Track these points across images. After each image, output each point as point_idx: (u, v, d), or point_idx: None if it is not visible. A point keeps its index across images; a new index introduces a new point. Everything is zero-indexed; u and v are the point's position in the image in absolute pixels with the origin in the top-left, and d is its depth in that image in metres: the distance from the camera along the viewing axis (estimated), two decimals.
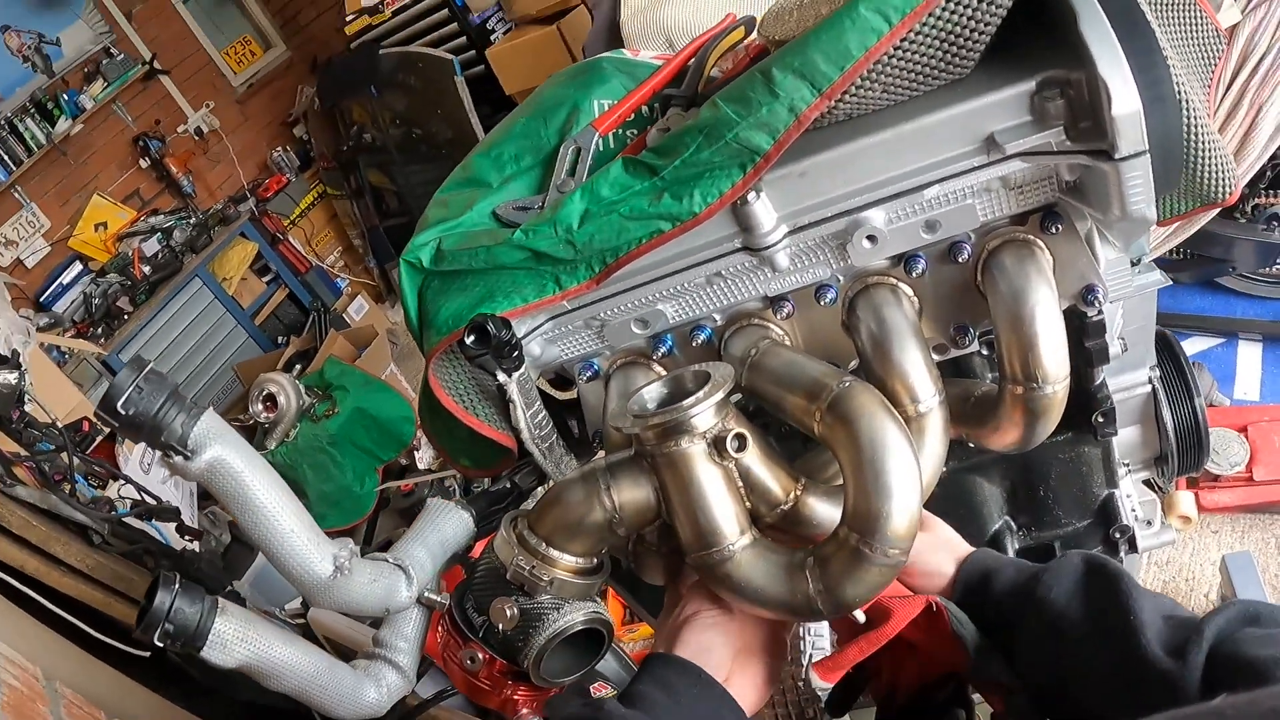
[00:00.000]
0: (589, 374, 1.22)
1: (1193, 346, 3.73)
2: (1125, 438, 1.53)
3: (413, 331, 1.17)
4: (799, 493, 1.00)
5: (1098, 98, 0.88)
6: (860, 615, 0.95)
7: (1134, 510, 1.61)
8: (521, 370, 1.09)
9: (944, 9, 0.89)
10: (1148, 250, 1.14)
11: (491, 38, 5.25)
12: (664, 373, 1.20)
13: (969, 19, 0.90)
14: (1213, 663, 0.79)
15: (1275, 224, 3.22)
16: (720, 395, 0.93)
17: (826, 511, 1.01)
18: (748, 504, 0.97)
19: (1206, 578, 3.04)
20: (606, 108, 1.24)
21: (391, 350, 5.40)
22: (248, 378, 5.28)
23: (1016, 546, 1.66)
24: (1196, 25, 1.13)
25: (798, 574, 0.93)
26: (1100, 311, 1.10)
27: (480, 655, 0.99)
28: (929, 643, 0.98)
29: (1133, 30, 0.88)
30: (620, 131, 1.23)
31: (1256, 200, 3.16)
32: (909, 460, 0.90)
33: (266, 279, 5.79)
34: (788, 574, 0.94)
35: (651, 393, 1.01)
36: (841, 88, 0.91)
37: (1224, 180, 1.05)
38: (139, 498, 2.37)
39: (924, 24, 0.89)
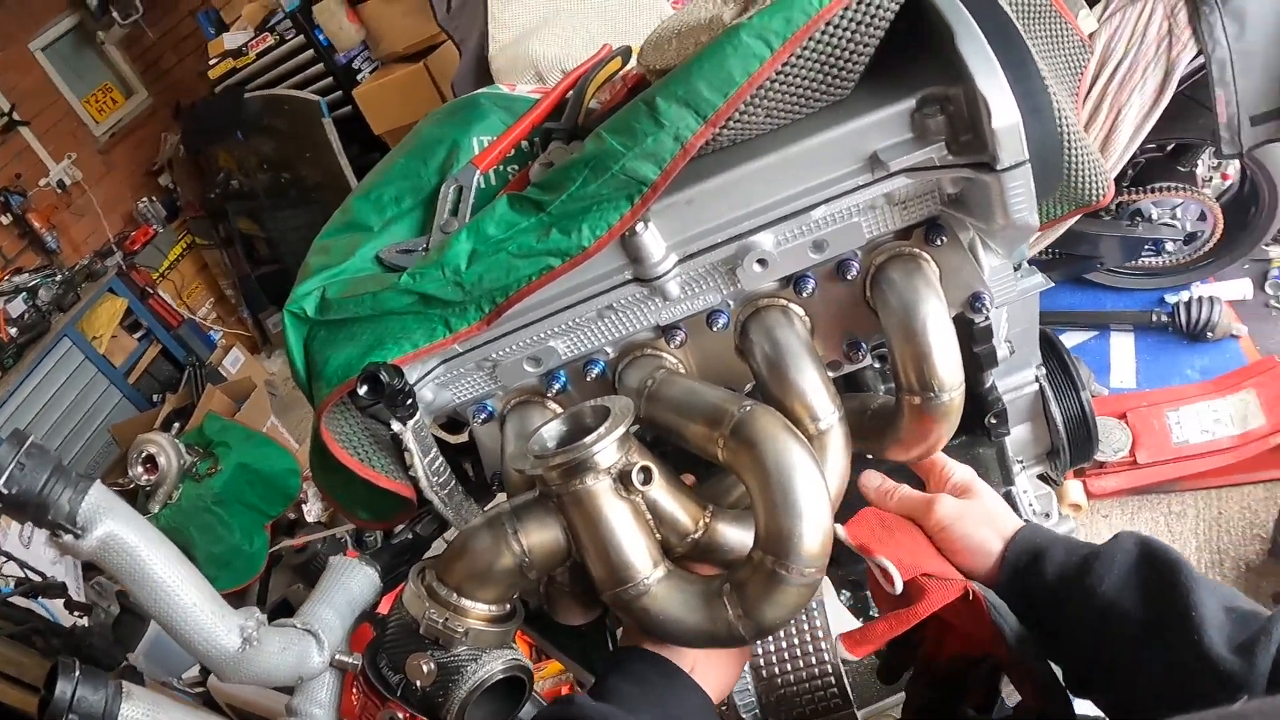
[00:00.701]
0: (483, 416, 1.19)
1: (1068, 341, 3.88)
2: (1017, 436, 1.57)
3: (300, 384, 1.12)
4: (708, 520, 1.00)
5: (977, 112, 0.89)
6: (899, 586, 0.94)
7: (1032, 505, 1.66)
8: (416, 418, 1.06)
9: (823, 32, 0.90)
10: (1027, 255, 1.17)
11: (358, 77, 5.19)
12: (560, 410, 1.18)
13: (848, 41, 0.91)
14: None
15: (1139, 220, 3.38)
16: (622, 429, 0.91)
17: (737, 536, 1.01)
18: (658, 536, 0.96)
19: None
20: (486, 144, 1.22)
21: (271, 402, 5.25)
22: (125, 439, 5.06)
23: None
24: (1062, 37, 1.17)
25: (715, 601, 0.92)
26: (987, 317, 1.12)
27: (400, 714, 0.97)
28: (968, 625, 0.97)
29: (1008, 44, 0.90)
30: (501, 168, 1.22)
31: (1120, 198, 3.31)
32: (816, 479, 0.90)
33: (138, 335, 5.54)
34: (705, 603, 0.93)
35: (551, 431, 1.00)
36: (726, 114, 0.91)
37: (1098, 183, 1.09)
38: (23, 575, 2.25)
39: (804, 48, 0.90)
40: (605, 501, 0.92)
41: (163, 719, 0.95)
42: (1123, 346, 3.70)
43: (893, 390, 1.34)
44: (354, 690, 1.00)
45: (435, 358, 1.10)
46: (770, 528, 0.89)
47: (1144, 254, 3.55)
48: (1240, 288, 3.54)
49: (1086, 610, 0.89)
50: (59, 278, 5.07)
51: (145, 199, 6.02)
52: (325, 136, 5.01)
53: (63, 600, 2.06)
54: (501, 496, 1.21)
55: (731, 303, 1.10)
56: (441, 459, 1.17)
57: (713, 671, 1.01)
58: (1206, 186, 3.26)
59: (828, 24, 0.90)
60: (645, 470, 0.92)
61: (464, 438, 1.29)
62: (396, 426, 1.04)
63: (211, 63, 5.43)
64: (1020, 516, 1.52)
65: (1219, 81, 2.47)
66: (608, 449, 0.91)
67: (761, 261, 1.01)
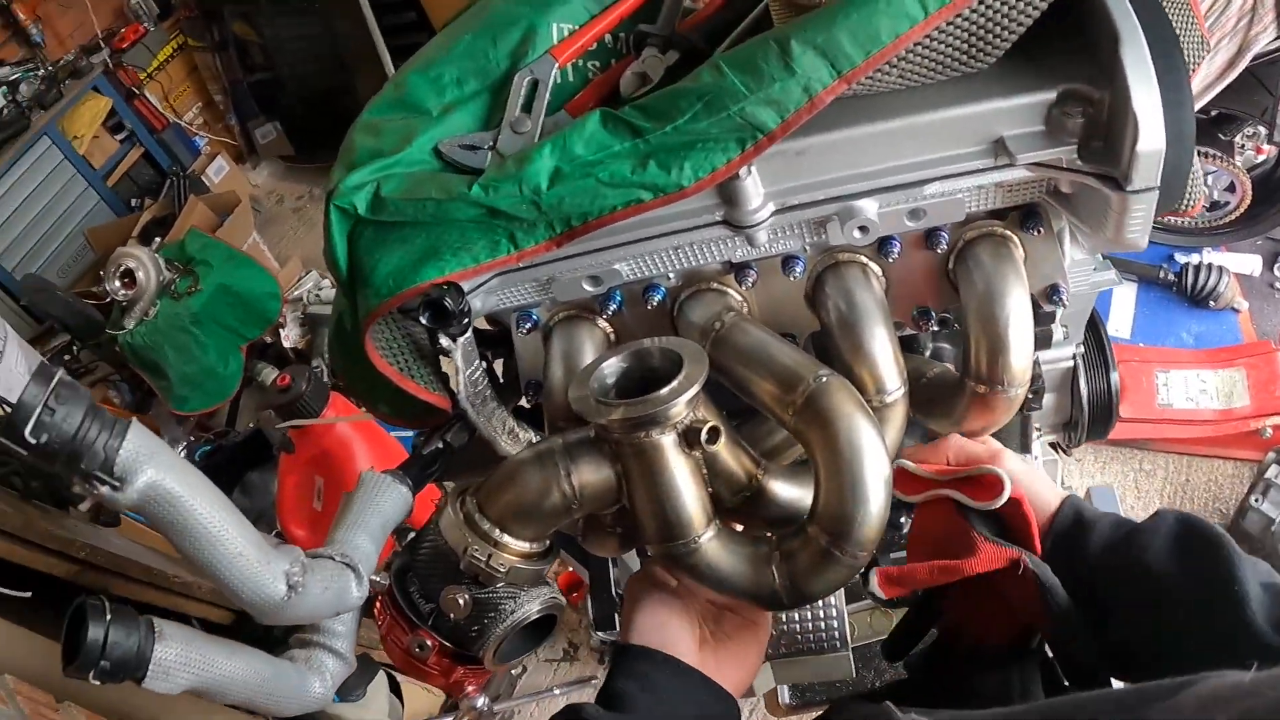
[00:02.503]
0: (528, 325, 1.13)
1: None
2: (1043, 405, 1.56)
3: (340, 282, 1.05)
4: (761, 477, 0.97)
5: (1121, 125, 0.84)
6: (1007, 493, 0.91)
7: None
8: (467, 334, 1.00)
9: (981, 1, 0.83)
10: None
11: None
12: (609, 330, 1.13)
13: (1004, 15, 0.84)
14: None
15: None
16: (696, 388, 0.87)
17: (788, 494, 0.99)
18: (710, 490, 0.93)
19: None
20: (567, 33, 1.12)
21: (255, 219, 5.10)
22: (100, 244, 4.92)
23: None
24: (1188, 33, 1.10)
25: (763, 567, 0.90)
26: (1059, 308, 1.08)
27: (429, 642, 0.94)
28: (1010, 590, 0.94)
29: (1169, 62, 0.84)
30: (581, 63, 1.12)
31: None
32: (884, 466, 0.87)
33: (120, 137, 5.29)
34: (753, 566, 0.91)
35: (611, 368, 0.95)
36: (864, 73, 0.83)
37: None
38: None
39: (960, 15, 0.83)
40: (668, 457, 0.88)
41: (196, 658, 0.90)
42: (1124, 296, 3.69)
43: (940, 354, 1.32)
44: (380, 609, 0.97)
45: (493, 272, 1.03)
46: (831, 508, 0.86)
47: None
48: (1250, 262, 3.52)
49: (1130, 581, 0.87)
50: (42, 73, 4.79)
51: None
52: None
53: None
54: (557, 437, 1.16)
55: (809, 250, 1.05)
56: (481, 368, 1.12)
57: (729, 663, 0.96)
58: (1239, 157, 3.20)
59: None
60: (714, 431, 0.88)
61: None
62: (446, 343, 0.99)
63: None
64: None
65: None
66: (679, 405, 0.86)
67: (863, 228, 0.96)
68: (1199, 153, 3.05)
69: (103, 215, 5.06)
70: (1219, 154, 3.11)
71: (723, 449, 0.92)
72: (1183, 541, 0.86)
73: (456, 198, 0.96)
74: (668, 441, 0.88)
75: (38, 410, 0.76)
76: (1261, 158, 3.32)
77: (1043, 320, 1.12)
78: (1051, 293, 1.05)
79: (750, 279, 1.06)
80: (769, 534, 0.95)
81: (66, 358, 4.41)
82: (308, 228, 5.53)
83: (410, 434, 3.25)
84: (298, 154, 5.88)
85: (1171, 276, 3.52)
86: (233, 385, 4.07)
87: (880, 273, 1.06)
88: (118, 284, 3.76)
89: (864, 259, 1.05)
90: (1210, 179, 3.26)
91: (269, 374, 4.09)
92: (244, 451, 3.67)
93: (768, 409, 0.95)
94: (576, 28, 1.13)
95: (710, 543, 0.90)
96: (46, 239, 4.74)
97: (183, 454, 3.75)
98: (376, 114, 1.14)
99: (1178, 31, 1.10)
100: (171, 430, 4.17)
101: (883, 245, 1.02)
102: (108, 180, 5.12)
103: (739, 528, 0.98)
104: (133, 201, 5.36)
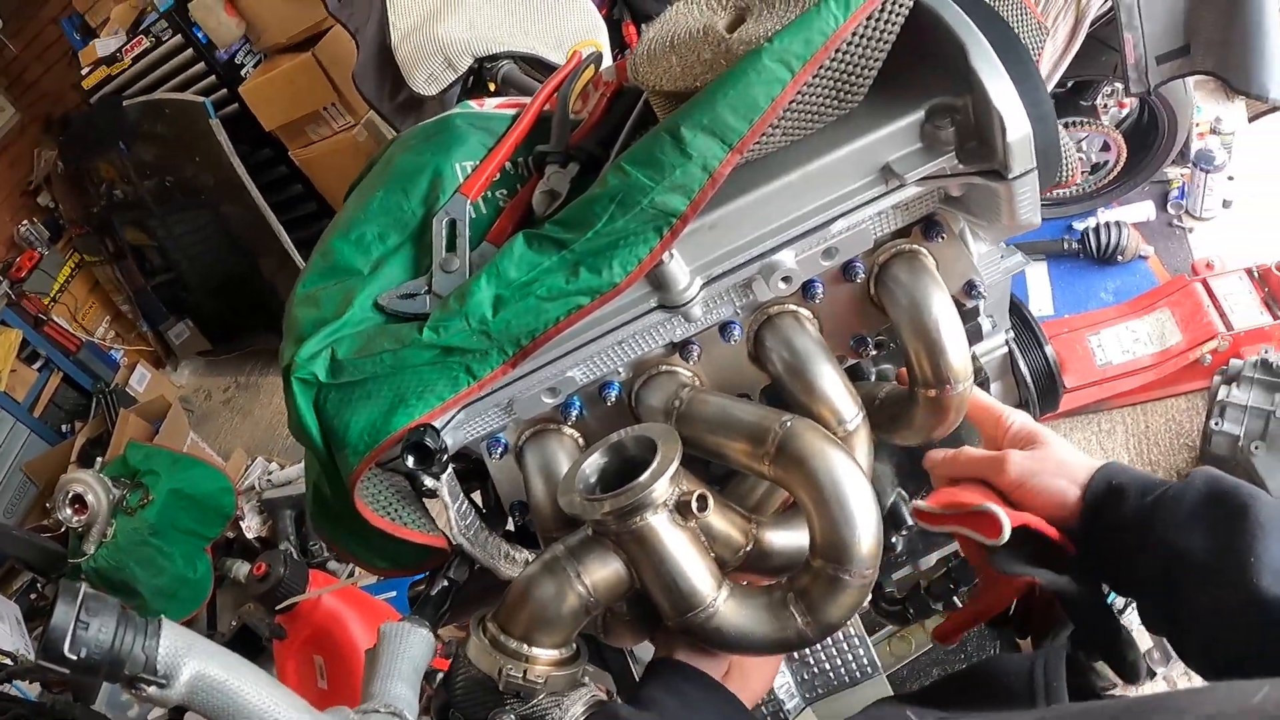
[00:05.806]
0: (499, 451, 1.17)
1: None
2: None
3: (316, 451, 1.07)
4: (755, 533, 1.02)
5: (989, 123, 0.93)
6: (1007, 531, 0.93)
7: None
8: (447, 470, 1.04)
9: (838, 51, 0.91)
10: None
11: (242, 73, 4.93)
12: (577, 435, 1.17)
13: (860, 58, 0.93)
14: None
15: None
16: (675, 464, 0.92)
17: (783, 541, 1.04)
18: (712, 555, 0.97)
19: None
20: (470, 170, 1.19)
21: (188, 419, 5.08)
22: (40, 476, 4.87)
23: None
24: (1021, 21, 1.20)
25: (782, 611, 0.95)
26: (979, 301, 1.15)
27: None
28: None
29: (1013, 55, 0.93)
30: (489, 193, 1.18)
31: None
32: (864, 487, 0.93)
33: (37, 366, 5.30)
34: (772, 614, 0.95)
35: (591, 466, 0.99)
36: (751, 140, 0.91)
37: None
38: None
39: (822, 67, 0.91)
40: (665, 535, 0.92)
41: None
42: (1038, 275, 3.83)
43: (886, 375, 1.38)
44: None
45: (458, 406, 1.07)
46: (828, 538, 0.91)
47: None
48: (1143, 209, 3.70)
49: (1154, 554, 0.88)
50: None
51: (25, 222, 5.69)
52: (213, 137, 4.74)
53: (40, 682, 1.92)
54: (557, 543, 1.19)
55: (742, 312, 1.11)
56: (466, 502, 1.15)
57: (750, 677, 1.03)
58: (1105, 116, 3.38)
59: (842, 42, 0.91)
60: (702, 498, 0.93)
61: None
62: (431, 483, 1.02)
63: (85, 72, 5.10)
64: None
65: (1127, 26, 2.56)
66: (663, 484, 0.91)
67: (786, 279, 1.03)
68: (1069, 124, 3.22)
69: (36, 447, 5.02)
70: (1085, 120, 3.29)
71: (714, 514, 0.97)
72: (1206, 510, 0.86)
73: (410, 344, 1.00)
74: (661, 520, 0.92)
75: (71, 627, 0.78)
76: (1125, 111, 3.52)
77: (968, 316, 1.20)
78: (970, 289, 1.13)
79: (695, 353, 1.11)
80: (777, 581, 1.00)
81: (33, 595, 4.32)
82: (242, 417, 5.51)
83: (393, 594, 3.25)
84: (215, 347, 5.87)
85: (1075, 245, 3.67)
86: (206, 588, 4.02)
87: (811, 315, 1.12)
88: (69, 511, 3.71)
89: (793, 307, 1.11)
90: (1084, 144, 3.43)
91: (240, 569, 4.03)
92: (234, 650, 3.60)
93: (744, 466, 1.00)
94: (478, 163, 1.20)
95: (726, 604, 0.95)
96: None
97: None
98: (310, 285, 1.18)
99: (1014, 25, 1.21)
100: None
101: (806, 289, 1.09)
102: (34, 411, 5.10)
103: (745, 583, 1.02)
104: (63, 427, 5.33)
